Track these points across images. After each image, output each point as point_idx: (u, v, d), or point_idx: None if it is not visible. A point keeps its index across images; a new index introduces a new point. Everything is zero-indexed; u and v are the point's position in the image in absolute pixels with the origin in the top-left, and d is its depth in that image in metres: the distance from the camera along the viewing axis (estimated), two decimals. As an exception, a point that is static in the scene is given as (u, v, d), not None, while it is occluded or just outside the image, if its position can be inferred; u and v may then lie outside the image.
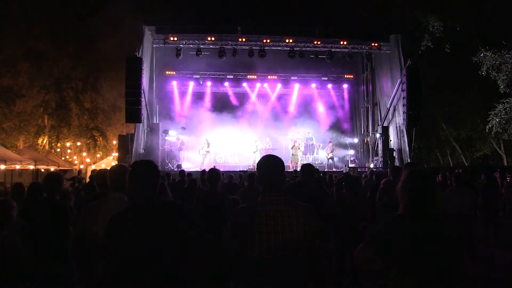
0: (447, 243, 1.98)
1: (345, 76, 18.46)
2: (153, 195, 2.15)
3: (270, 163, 2.18)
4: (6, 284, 2.82)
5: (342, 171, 14.27)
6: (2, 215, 2.94)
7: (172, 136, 15.78)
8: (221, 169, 5.68)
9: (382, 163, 14.74)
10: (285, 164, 6.08)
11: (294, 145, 15.24)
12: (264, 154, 3.09)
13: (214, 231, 2.80)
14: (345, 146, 17.27)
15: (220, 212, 3.99)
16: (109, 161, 22.49)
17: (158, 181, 2.22)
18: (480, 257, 6.11)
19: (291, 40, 15.35)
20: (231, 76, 17.88)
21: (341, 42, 15.53)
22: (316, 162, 16.83)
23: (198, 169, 13.59)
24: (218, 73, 17.53)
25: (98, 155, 28.97)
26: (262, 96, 18.84)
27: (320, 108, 18.70)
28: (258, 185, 2.18)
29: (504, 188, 9.05)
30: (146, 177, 2.17)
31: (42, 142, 24.91)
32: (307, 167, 4.65)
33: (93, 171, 9.52)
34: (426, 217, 2.01)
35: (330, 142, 16.48)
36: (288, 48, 15.33)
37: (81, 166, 24.44)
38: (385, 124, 15.73)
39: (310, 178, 4.62)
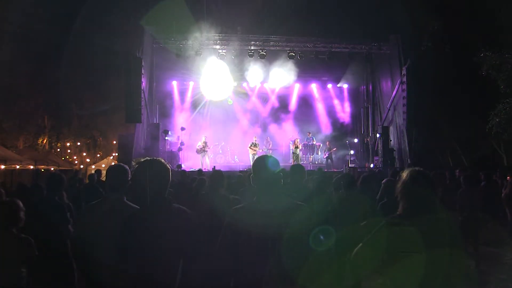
0: (447, 244, 1.97)
1: (345, 76, 18.46)
2: (162, 197, 2.11)
3: (264, 163, 2.18)
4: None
5: (342, 171, 14.27)
6: (11, 216, 2.94)
7: (172, 136, 15.78)
8: (221, 169, 5.65)
9: (382, 163, 14.73)
10: (287, 164, 6.10)
11: (296, 145, 15.28)
12: (263, 154, 3.09)
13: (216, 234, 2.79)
14: (345, 146, 17.27)
15: (219, 212, 3.99)
16: (109, 161, 22.50)
17: (168, 182, 2.18)
18: (481, 257, 6.10)
19: (291, 40, 15.35)
20: (231, 76, 17.85)
21: (341, 42, 15.53)
22: (316, 162, 16.86)
23: (198, 169, 13.57)
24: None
25: (98, 155, 28.97)
26: (262, 96, 18.84)
27: (320, 108, 18.70)
28: (253, 185, 2.18)
29: (504, 188, 9.01)
30: (156, 177, 2.13)
31: (42, 142, 24.91)
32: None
33: (97, 170, 9.52)
34: (425, 217, 2.00)
35: (328, 142, 16.52)
36: (288, 48, 15.32)
37: (81, 166, 24.47)
38: (385, 124, 15.72)
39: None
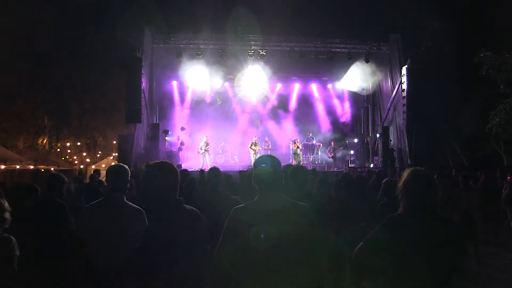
0: (447, 243, 1.97)
1: (345, 76, 18.44)
2: (174, 199, 2.14)
3: (266, 163, 2.18)
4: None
5: (342, 171, 14.27)
6: None
7: (172, 136, 15.78)
8: (221, 169, 5.66)
9: (382, 163, 14.73)
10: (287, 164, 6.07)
11: (295, 145, 15.28)
12: (264, 154, 3.10)
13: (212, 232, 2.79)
14: (345, 146, 17.28)
15: (220, 212, 3.99)
16: (109, 161, 22.51)
17: (178, 183, 2.20)
18: (481, 257, 6.10)
19: (291, 40, 15.35)
20: (231, 76, 17.86)
21: (341, 42, 15.53)
22: (317, 162, 16.85)
23: (198, 169, 13.57)
24: (219, 73, 17.48)
25: (98, 155, 28.98)
26: (262, 96, 18.82)
27: (320, 108, 18.70)
28: (254, 184, 2.18)
29: (504, 188, 9.02)
30: (168, 179, 2.15)
31: (42, 142, 24.92)
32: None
33: (96, 170, 9.51)
34: (425, 217, 2.00)
35: (332, 142, 16.53)
36: (288, 48, 15.31)
37: (81, 166, 24.47)
38: (385, 124, 15.71)
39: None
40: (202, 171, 10.61)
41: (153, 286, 1.99)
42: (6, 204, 3.02)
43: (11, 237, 2.89)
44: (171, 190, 2.14)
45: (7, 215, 2.95)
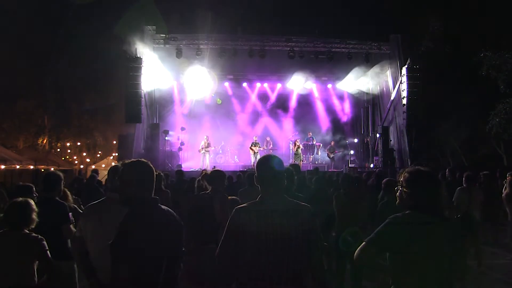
0: (448, 243, 1.97)
1: (345, 76, 18.43)
2: (149, 198, 2.13)
3: (269, 163, 2.18)
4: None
5: (342, 171, 14.28)
6: (23, 216, 2.94)
7: (172, 136, 15.78)
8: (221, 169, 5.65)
9: (382, 163, 14.73)
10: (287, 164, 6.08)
11: (296, 145, 15.28)
12: (267, 154, 3.10)
13: (210, 232, 2.77)
14: (345, 146, 17.28)
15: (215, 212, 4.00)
16: (109, 161, 22.51)
17: (154, 183, 2.19)
18: (481, 257, 6.09)
19: (291, 40, 15.35)
20: (231, 76, 17.85)
21: (341, 42, 15.53)
22: (317, 162, 16.85)
23: (198, 169, 13.57)
24: (218, 73, 17.49)
25: (98, 155, 28.97)
26: (262, 96, 18.83)
27: (320, 108, 18.69)
28: (257, 184, 2.18)
29: (504, 188, 9.00)
30: (142, 178, 2.14)
31: (42, 142, 24.91)
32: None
33: (93, 170, 9.51)
34: (428, 216, 2.00)
35: (333, 142, 16.53)
36: (288, 48, 15.31)
37: (81, 166, 24.47)
38: (385, 125, 15.71)
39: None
40: (204, 171, 10.61)
41: (125, 283, 1.98)
42: (33, 204, 3.03)
43: (41, 236, 2.92)
44: (146, 189, 2.13)
45: (35, 215, 2.97)
